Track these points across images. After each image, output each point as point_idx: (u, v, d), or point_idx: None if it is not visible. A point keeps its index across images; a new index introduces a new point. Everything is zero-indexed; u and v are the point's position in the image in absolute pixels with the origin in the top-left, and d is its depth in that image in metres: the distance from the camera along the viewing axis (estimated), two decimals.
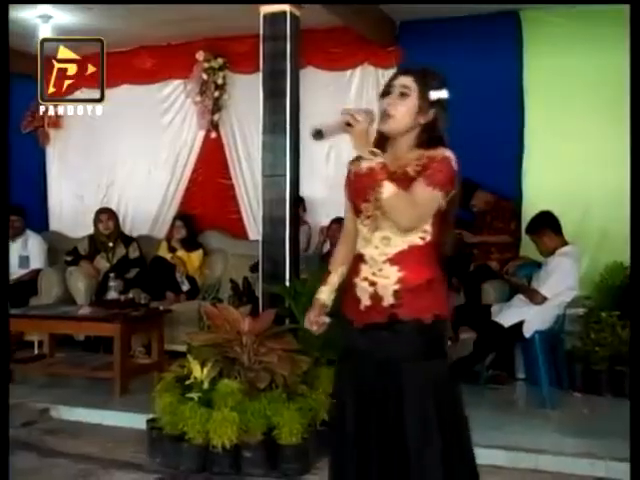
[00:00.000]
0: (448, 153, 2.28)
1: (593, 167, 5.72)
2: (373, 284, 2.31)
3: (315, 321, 2.49)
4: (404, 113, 2.30)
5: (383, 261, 2.30)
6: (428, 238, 2.31)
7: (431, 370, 2.29)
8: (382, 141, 2.36)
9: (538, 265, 5.07)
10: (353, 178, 2.41)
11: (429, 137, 2.32)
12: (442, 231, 2.34)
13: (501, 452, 3.83)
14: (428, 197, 2.23)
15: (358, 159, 2.30)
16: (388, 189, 2.18)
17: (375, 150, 2.22)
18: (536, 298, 4.74)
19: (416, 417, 2.24)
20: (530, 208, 5.69)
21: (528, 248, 5.68)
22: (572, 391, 4.99)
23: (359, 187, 2.35)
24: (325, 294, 2.53)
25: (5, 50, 2.72)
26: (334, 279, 2.53)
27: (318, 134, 2.21)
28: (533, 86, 5.93)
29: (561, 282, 4.72)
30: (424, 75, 2.34)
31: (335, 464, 2.45)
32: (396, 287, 2.28)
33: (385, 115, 2.29)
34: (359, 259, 2.37)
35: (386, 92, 2.34)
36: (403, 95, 2.30)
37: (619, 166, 5.65)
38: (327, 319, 2.49)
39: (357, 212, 2.39)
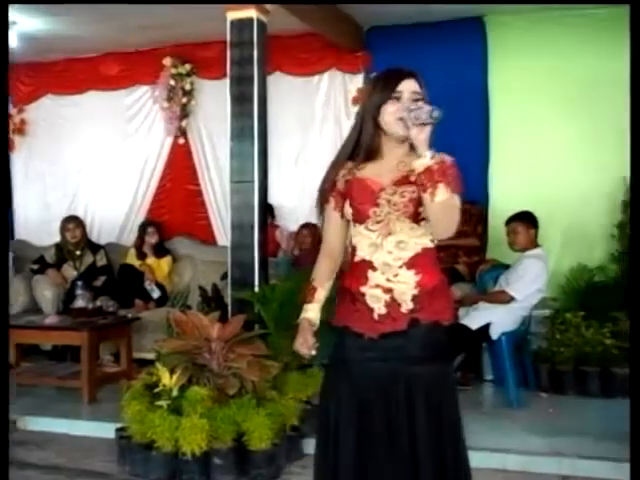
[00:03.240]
0: (451, 158, 2.24)
1: (557, 171, 5.82)
2: (389, 291, 2.25)
3: (312, 344, 2.36)
4: None
5: (399, 266, 2.24)
6: (436, 240, 2.31)
7: (445, 371, 2.32)
8: (375, 150, 2.32)
9: (506, 267, 5.13)
10: (352, 184, 2.31)
11: None
12: None
13: (469, 452, 3.86)
14: (457, 204, 2.20)
15: (345, 167, 2.32)
16: (443, 192, 2.11)
17: (433, 150, 2.15)
18: (504, 297, 4.79)
19: (432, 421, 2.25)
20: (497, 212, 5.77)
21: (495, 251, 5.76)
22: (538, 391, 5.05)
23: (366, 192, 2.28)
24: (314, 312, 2.40)
25: (5, 50, 2.69)
26: (322, 295, 2.41)
27: (439, 116, 2.14)
28: (498, 90, 6.02)
29: (532, 284, 4.78)
30: (421, 77, 2.33)
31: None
32: (415, 291, 2.24)
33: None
34: (366, 266, 2.27)
35: (395, 97, 2.25)
36: (417, 101, 2.24)
37: (582, 170, 5.77)
38: (315, 340, 2.38)
39: (363, 218, 2.28)
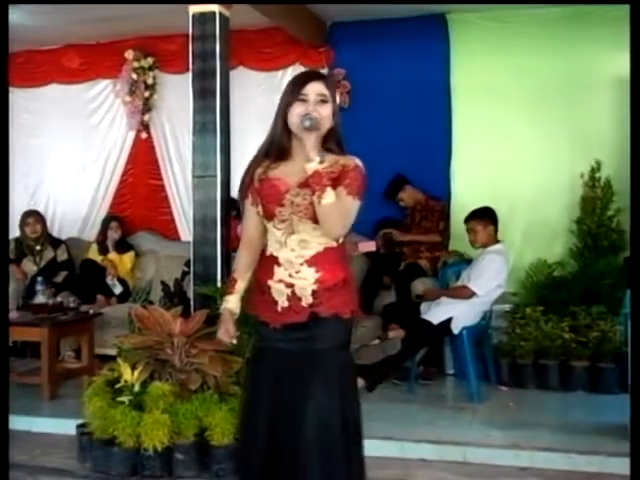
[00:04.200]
0: (358, 162, 2.39)
1: (518, 168, 5.89)
2: (290, 286, 2.38)
3: (233, 333, 2.54)
4: (327, 118, 2.37)
5: (300, 263, 2.37)
6: (341, 240, 2.43)
7: (344, 359, 2.44)
8: (284, 149, 2.42)
9: (468, 262, 5.19)
10: (262, 184, 2.44)
11: (335, 141, 2.42)
12: (348, 233, 2.44)
13: (430, 446, 3.92)
14: (352, 206, 2.34)
15: (262, 162, 2.45)
16: (330, 196, 2.26)
17: (323, 154, 2.30)
18: (465, 292, 4.84)
19: (322, 407, 2.34)
20: (459, 208, 5.82)
21: (457, 247, 5.81)
22: (499, 384, 5.12)
23: (272, 192, 2.40)
24: (234, 303, 2.58)
25: (5, 50, 2.66)
26: (241, 286, 2.58)
27: (312, 123, 2.29)
28: (460, 88, 6.06)
29: (493, 280, 4.84)
30: (329, 79, 2.51)
31: (243, 467, 2.54)
32: (314, 287, 2.37)
33: (313, 122, 2.31)
34: (272, 262, 2.41)
35: (300, 99, 2.37)
36: (322, 102, 2.37)
37: (542, 167, 5.86)
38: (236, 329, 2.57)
39: (270, 216, 2.42)
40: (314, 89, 2.37)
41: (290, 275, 2.37)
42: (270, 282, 2.41)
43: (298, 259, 2.37)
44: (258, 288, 2.48)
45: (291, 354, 2.39)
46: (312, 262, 2.36)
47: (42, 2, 5.55)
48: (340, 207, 2.29)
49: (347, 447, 2.37)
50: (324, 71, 6.29)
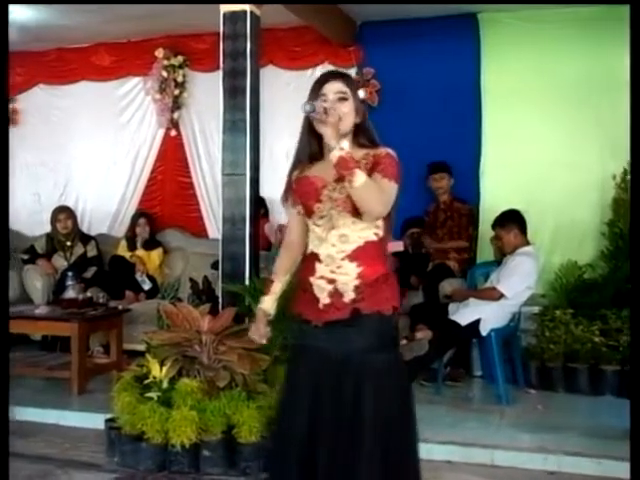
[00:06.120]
0: (390, 150, 2.42)
1: (549, 170, 5.81)
2: (332, 281, 2.38)
3: (264, 333, 2.57)
4: (348, 114, 2.41)
5: (341, 258, 2.37)
6: (381, 234, 2.42)
7: (392, 360, 2.40)
8: (315, 150, 2.44)
9: (498, 263, 5.15)
10: (300, 182, 2.47)
11: (366, 136, 2.46)
12: (388, 228, 2.46)
13: (457, 448, 3.89)
14: (390, 188, 2.35)
15: (298, 166, 2.48)
16: (361, 177, 2.25)
17: (343, 141, 2.31)
18: (494, 294, 4.80)
19: (377, 408, 2.33)
20: (488, 210, 5.76)
21: (485, 251, 5.77)
22: (527, 387, 5.07)
23: (310, 189, 2.43)
24: (269, 303, 2.60)
25: (5, 50, 2.72)
26: (277, 288, 2.60)
27: (311, 108, 2.30)
28: (491, 88, 6.01)
29: (522, 282, 4.80)
30: (349, 78, 2.53)
31: (276, 465, 2.52)
32: (356, 282, 2.36)
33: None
34: (314, 258, 2.42)
35: (320, 99, 2.40)
36: (342, 99, 2.41)
37: (574, 169, 5.79)
38: (269, 329, 2.59)
39: (309, 213, 2.45)
40: (332, 88, 2.42)
41: (332, 271, 2.37)
42: (312, 279, 2.41)
43: (339, 254, 2.37)
44: (301, 286, 2.48)
45: (333, 355, 2.36)
46: (354, 257, 2.36)
47: (44, 2, 5.59)
48: (374, 185, 2.28)
49: (400, 447, 2.38)
50: (353, 70, 6.31)
